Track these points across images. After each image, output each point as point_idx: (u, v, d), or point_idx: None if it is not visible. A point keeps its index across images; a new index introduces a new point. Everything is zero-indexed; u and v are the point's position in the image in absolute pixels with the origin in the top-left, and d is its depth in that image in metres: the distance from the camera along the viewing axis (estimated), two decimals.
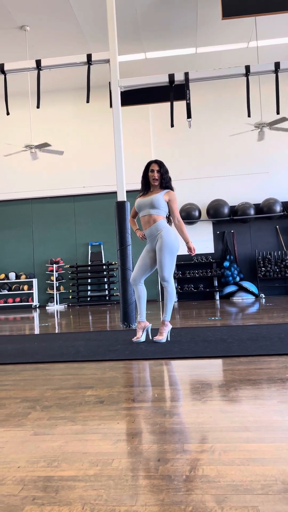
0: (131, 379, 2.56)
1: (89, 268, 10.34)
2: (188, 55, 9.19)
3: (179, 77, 5.81)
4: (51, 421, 1.84)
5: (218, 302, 8.92)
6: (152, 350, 3.39)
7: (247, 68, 5.75)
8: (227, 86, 9.98)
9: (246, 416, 1.77)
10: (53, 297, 10.31)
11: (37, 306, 10.40)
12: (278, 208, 9.55)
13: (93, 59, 5.82)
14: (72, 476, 1.31)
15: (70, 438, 1.64)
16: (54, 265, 10.20)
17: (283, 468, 1.29)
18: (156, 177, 3.82)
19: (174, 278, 9.54)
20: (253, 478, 1.24)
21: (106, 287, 10.33)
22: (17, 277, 10.42)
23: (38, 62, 5.93)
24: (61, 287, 10.43)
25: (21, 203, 10.78)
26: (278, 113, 5.83)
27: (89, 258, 10.46)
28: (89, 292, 10.45)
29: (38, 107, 6.11)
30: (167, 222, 3.86)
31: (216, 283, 9.81)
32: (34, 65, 5.95)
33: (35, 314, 8.32)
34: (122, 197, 5.49)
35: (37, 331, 5.47)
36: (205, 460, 1.37)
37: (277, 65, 5.70)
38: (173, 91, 5.89)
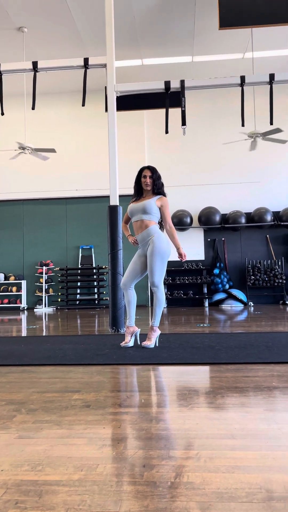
0: (118, 384, 2.55)
1: (79, 271, 10.30)
2: (184, 63, 9.26)
3: (175, 84, 5.85)
4: (36, 425, 1.82)
5: (207, 309, 8.94)
6: (140, 355, 3.38)
7: (242, 78, 5.81)
8: (222, 96, 10.08)
9: (233, 424, 1.77)
10: (42, 300, 10.24)
11: (25, 308, 10.32)
12: (269, 217, 9.63)
13: (90, 63, 5.84)
14: (56, 481, 1.30)
15: (55, 442, 1.62)
16: (44, 267, 10.15)
17: (268, 476, 1.29)
18: (148, 182, 3.83)
19: (164, 284, 9.54)
20: (238, 486, 1.23)
21: (95, 291, 10.29)
22: (6, 278, 10.34)
23: (34, 64, 5.93)
24: (50, 290, 10.38)
25: (13, 204, 10.73)
26: (271, 123, 5.89)
27: (80, 261, 10.43)
28: (78, 296, 10.40)
29: (33, 108, 6.10)
30: (159, 228, 3.87)
31: (205, 290, 9.84)
32: (31, 66, 5.94)
33: (23, 316, 8.25)
34: (114, 201, 5.49)
35: (24, 333, 5.43)
36: (190, 467, 1.37)
37: (271, 76, 5.77)
38: (169, 98, 5.92)
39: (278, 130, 7.46)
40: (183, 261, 3.80)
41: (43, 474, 1.35)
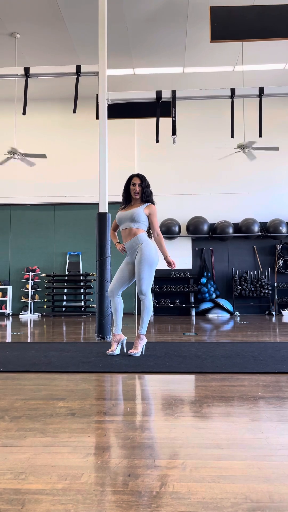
0: (103, 392, 2.53)
1: (66, 278, 10.24)
2: (175, 74, 9.36)
3: (166, 94, 5.90)
4: (20, 432, 1.79)
5: (193, 318, 8.95)
6: (126, 363, 3.37)
7: (233, 90, 5.89)
8: (212, 107, 10.20)
9: (218, 433, 1.77)
10: (28, 306, 10.14)
11: (11, 314, 10.20)
12: (256, 228, 9.73)
13: (82, 70, 5.86)
14: (39, 490, 1.28)
15: (39, 450, 1.60)
16: (30, 273, 10.06)
17: (253, 486, 1.29)
18: (137, 190, 3.85)
19: (152, 292, 9.53)
20: (223, 496, 1.23)
21: (82, 298, 10.23)
22: None
23: (26, 70, 5.93)
24: (36, 296, 10.28)
25: (0, 209, 10.64)
26: (260, 135, 5.98)
27: (67, 268, 10.37)
28: (64, 302, 10.32)
29: (24, 113, 6.09)
30: (148, 236, 3.88)
31: (192, 299, 9.86)
32: (23, 72, 5.94)
33: (8, 322, 8.15)
34: (104, 208, 5.49)
35: (9, 339, 5.36)
36: (176, 476, 1.36)
37: (261, 90, 5.87)
38: (160, 108, 5.97)
39: (252, 142, 7.63)
40: (173, 268, 3.81)
41: (27, 482, 1.33)
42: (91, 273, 10.00)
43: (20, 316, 9.92)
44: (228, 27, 5.87)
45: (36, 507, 1.17)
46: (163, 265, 3.98)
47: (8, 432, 1.80)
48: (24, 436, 1.74)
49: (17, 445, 1.65)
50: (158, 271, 9.35)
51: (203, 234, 9.85)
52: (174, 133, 5.99)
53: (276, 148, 8.03)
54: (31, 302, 10.16)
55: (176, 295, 9.98)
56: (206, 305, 9.61)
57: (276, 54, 8.51)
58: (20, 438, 1.72)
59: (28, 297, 10.15)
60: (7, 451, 1.59)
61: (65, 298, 10.35)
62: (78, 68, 5.85)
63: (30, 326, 7.32)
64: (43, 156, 8.07)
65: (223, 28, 5.87)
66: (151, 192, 3.93)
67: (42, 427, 1.85)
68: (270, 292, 9.69)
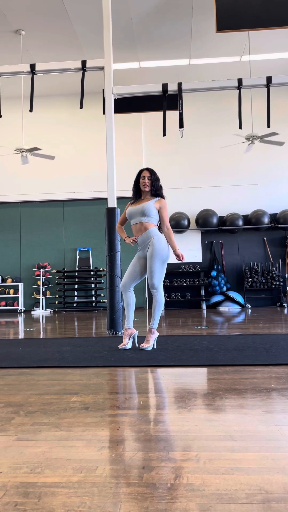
0: (116, 386, 2.54)
1: (76, 273, 10.29)
2: (182, 66, 9.29)
3: (172, 87, 5.86)
4: (34, 427, 1.81)
5: (204, 311, 8.94)
6: (138, 357, 3.38)
7: (240, 81, 5.83)
8: (219, 98, 10.12)
9: (231, 425, 1.77)
10: (39, 302, 10.22)
11: (23, 310, 10.30)
12: (266, 220, 9.65)
13: (87, 65, 5.85)
14: (55, 483, 1.30)
15: (54, 444, 1.62)
16: (41, 270, 10.13)
17: (268, 477, 1.29)
18: (147, 183, 3.84)
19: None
20: (238, 487, 1.23)
21: (93, 293, 10.28)
22: (3, 280, 10.31)
23: (32, 66, 5.93)
24: (48, 292, 10.35)
25: (10, 206, 10.72)
26: (268, 126, 5.91)
27: (77, 264, 10.42)
28: (75, 298, 10.39)
29: (31, 111, 6.10)
30: (159, 230, 3.87)
31: (203, 292, 9.84)
32: (29, 69, 5.95)
33: (20, 319, 8.23)
34: (112, 203, 5.49)
35: (22, 335, 5.41)
36: (190, 469, 1.37)
37: (269, 79, 5.80)
38: (166, 101, 5.94)
39: (273, 134, 7.51)
40: (182, 261, 3.81)
41: (42, 476, 1.35)
42: (101, 269, 10.03)
43: (32, 312, 10.01)
44: (233, 16, 5.79)
45: (53, 500, 1.19)
46: (173, 259, 3.98)
47: (23, 426, 1.82)
48: (39, 431, 1.76)
49: (32, 439, 1.67)
50: (168, 265, 9.31)
51: (213, 227, 9.81)
52: (181, 126, 5.96)
53: (281, 144, 7.94)
54: (42, 299, 10.24)
55: (186, 288, 9.97)
56: (217, 298, 9.59)
57: (283, 43, 8.39)
58: (35, 432, 1.74)
59: (39, 294, 10.23)
60: (22, 445, 1.62)
61: (76, 293, 10.42)
62: (83, 63, 5.84)
63: (42, 322, 7.39)
64: (37, 149, 8.07)
65: (228, 18, 5.80)
66: (161, 186, 3.93)
67: (57, 421, 1.87)
68: (281, 283, 9.63)
